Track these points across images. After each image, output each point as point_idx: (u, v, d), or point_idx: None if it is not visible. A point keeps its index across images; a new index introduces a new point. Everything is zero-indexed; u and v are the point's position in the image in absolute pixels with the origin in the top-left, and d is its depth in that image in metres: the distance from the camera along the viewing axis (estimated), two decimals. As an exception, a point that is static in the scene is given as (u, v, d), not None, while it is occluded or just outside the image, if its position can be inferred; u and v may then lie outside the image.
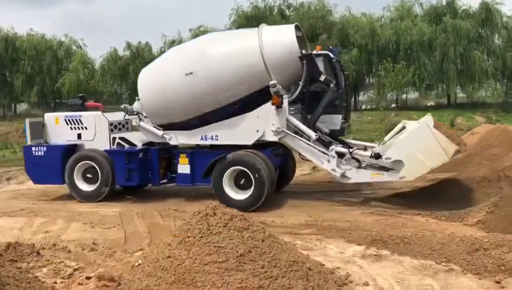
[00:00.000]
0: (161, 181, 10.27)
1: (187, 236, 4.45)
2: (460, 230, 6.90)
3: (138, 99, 10.27)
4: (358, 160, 8.80)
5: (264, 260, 4.28)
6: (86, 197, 10.06)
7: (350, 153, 8.81)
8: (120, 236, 7.31)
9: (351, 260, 5.47)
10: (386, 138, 9.07)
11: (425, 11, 33.80)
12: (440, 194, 9.43)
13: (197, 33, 34.72)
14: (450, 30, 30.59)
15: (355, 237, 6.28)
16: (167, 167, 10.31)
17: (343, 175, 8.80)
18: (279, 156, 10.09)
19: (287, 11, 34.91)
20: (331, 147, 8.92)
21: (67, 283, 4.80)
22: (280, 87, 8.89)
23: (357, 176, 8.77)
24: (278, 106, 8.94)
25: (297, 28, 9.41)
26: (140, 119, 10.11)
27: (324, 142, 9.34)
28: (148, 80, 9.94)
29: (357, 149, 9.22)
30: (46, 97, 37.07)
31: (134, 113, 10.21)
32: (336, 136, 10.21)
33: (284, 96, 9.02)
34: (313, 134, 9.01)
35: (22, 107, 41.08)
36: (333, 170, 8.83)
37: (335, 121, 9.87)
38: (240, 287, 3.98)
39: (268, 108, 9.09)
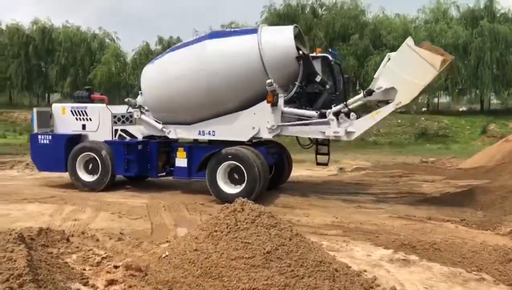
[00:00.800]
0: (159, 174, 10.52)
1: (215, 230, 4.46)
2: (491, 239, 6.69)
3: (141, 93, 10.50)
4: (354, 111, 8.84)
5: (291, 258, 4.25)
6: (87, 187, 10.32)
7: (346, 105, 8.81)
8: (147, 227, 7.38)
9: (378, 263, 5.37)
10: (375, 74, 8.97)
11: (462, 14, 33.11)
12: (471, 201, 9.19)
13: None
14: (487, 34, 29.90)
15: (383, 240, 6.17)
16: (166, 160, 10.54)
17: (347, 133, 8.81)
18: (274, 155, 10.25)
19: (320, 10, 34.70)
20: (327, 112, 8.93)
21: (96, 270, 4.87)
22: (277, 86, 8.98)
23: (360, 126, 8.79)
24: (273, 104, 9.07)
25: (296, 29, 9.47)
26: (141, 113, 10.32)
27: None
28: (151, 75, 10.13)
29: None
30: (79, 88, 37.78)
31: (137, 106, 10.41)
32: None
33: (280, 95, 9.12)
34: (314, 113, 9.11)
35: (55, 97, 42.11)
36: (336, 132, 8.85)
37: None
38: (266, 284, 3.96)
39: (263, 106, 9.21)
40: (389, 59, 9.01)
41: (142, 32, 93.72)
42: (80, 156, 10.43)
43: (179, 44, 10.32)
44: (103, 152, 10.27)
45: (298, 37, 9.56)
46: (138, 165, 10.26)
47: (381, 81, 8.55)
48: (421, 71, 8.14)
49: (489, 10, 31.83)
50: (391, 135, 28.66)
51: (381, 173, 13.97)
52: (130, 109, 10.54)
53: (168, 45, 36.03)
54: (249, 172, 9.03)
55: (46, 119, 11.03)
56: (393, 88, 8.42)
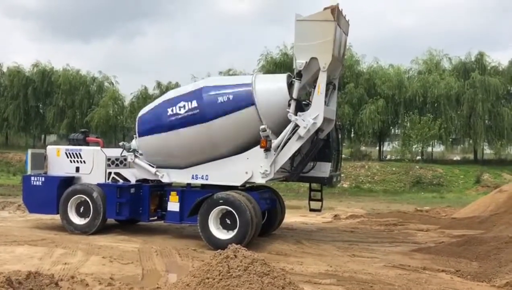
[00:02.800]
0: (151, 218, 10.42)
1: (207, 277, 4.39)
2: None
3: (136, 137, 10.58)
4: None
5: (284, 308, 4.18)
6: (78, 230, 10.21)
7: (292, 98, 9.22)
8: (137, 272, 7.25)
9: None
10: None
11: (454, 66, 33.98)
12: (466, 251, 9.10)
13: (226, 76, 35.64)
14: (479, 86, 30.61)
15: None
16: (158, 204, 10.47)
17: (312, 122, 9.01)
18: (267, 200, 10.22)
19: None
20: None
21: (83, 317, 4.76)
22: (270, 131, 9.10)
23: (317, 106, 9.09)
24: (267, 149, 9.14)
25: (290, 77, 9.69)
26: (135, 156, 10.36)
27: None
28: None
29: None
30: (75, 130, 37.99)
31: (131, 150, 10.46)
32: (325, 185, 10.50)
33: (273, 141, 9.20)
34: None
35: (51, 138, 42.22)
36: (305, 125, 9.01)
37: (324, 168, 9.94)
38: (258, 335, 3.88)
39: (257, 151, 9.29)
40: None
41: (141, 77, 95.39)
42: (72, 198, 10.37)
43: (171, 97, 10.34)
44: (95, 194, 10.22)
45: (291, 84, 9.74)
46: (130, 208, 10.20)
47: (299, 60, 9.06)
48: (323, 29, 8.87)
49: (480, 63, 32.72)
50: (385, 183, 28.69)
51: (376, 221, 13.88)
52: (125, 153, 10.58)
53: (166, 90, 36.61)
54: (241, 217, 8.99)
55: (40, 161, 11.03)
56: (312, 58, 8.98)
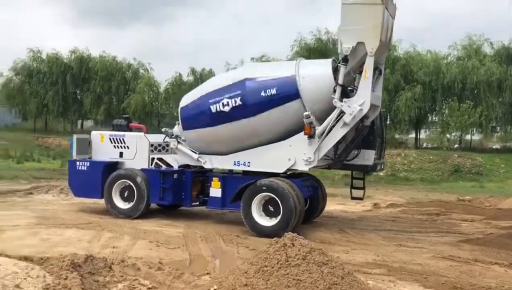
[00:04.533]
0: (193, 203, 10.49)
1: (265, 265, 4.36)
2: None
3: (179, 124, 10.59)
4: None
5: (344, 298, 4.11)
6: (122, 214, 10.38)
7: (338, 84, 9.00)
8: (185, 257, 7.31)
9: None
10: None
11: (496, 51, 32.71)
12: (517, 243, 8.81)
13: (260, 62, 35.42)
14: (523, 72, 29.42)
15: (432, 282, 5.92)
16: (200, 190, 10.53)
17: (360, 106, 8.81)
18: (309, 187, 10.11)
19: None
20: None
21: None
22: (314, 118, 8.95)
23: (363, 92, 8.88)
24: (310, 136, 9.01)
25: (334, 62, 9.48)
26: (178, 142, 10.38)
27: None
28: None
29: None
30: (112, 116, 38.66)
31: (173, 136, 10.49)
32: (369, 172, 10.39)
33: (316, 127, 9.04)
34: None
35: (88, 124, 43.11)
36: (351, 111, 8.80)
37: (368, 156, 9.71)
38: (319, 325, 3.82)
39: (300, 137, 9.17)
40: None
41: (176, 64, 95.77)
42: (116, 183, 10.54)
43: (214, 90, 10.24)
44: (139, 179, 10.34)
45: (336, 69, 9.55)
46: (173, 193, 10.29)
47: (345, 44, 8.82)
48: (371, 13, 8.64)
49: (525, 48, 31.41)
50: (422, 171, 28.06)
51: (417, 211, 13.58)
52: (167, 139, 10.64)
53: (200, 76, 36.77)
54: (284, 203, 8.94)
55: (85, 146, 11.23)
56: (359, 42, 8.74)
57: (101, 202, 11.40)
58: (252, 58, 35.63)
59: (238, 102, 9.39)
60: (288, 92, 9.15)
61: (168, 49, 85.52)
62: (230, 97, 9.48)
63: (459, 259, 7.72)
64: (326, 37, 34.38)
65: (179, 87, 36.43)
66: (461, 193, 20.35)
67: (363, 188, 10.67)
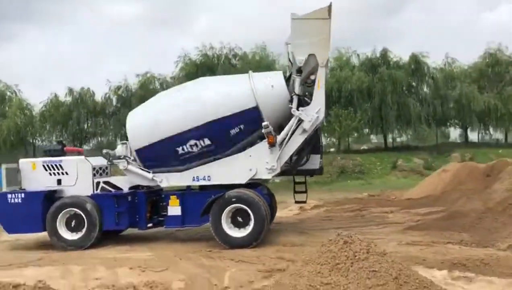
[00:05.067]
0: (148, 225, 10.17)
1: (337, 263, 4.58)
2: (502, 253, 7.54)
3: (123, 143, 10.26)
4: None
5: (414, 281, 4.54)
6: (72, 245, 9.62)
7: (295, 93, 9.56)
8: (182, 277, 7.07)
9: (447, 282, 5.83)
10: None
11: (361, 62, 36.47)
12: (452, 225, 10.13)
13: (145, 79, 34.69)
14: (387, 79, 33.24)
15: (431, 262, 6.68)
16: (152, 210, 10.25)
17: (316, 115, 9.41)
18: (267, 195, 10.60)
19: (234, 60, 35.99)
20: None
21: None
22: (272, 128, 9.39)
23: (318, 100, 9.49)
24: (272, 144, 9.45)
25: (284, 74, 10.18)
26: (128, 163, 10.05)
27: None
28: (139, 123, 9.95)
29: None
30: (-22, 145, 34.42)
31: (121, 157, 10.11)
32: (314, 175, 11.18)
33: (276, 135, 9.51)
34: None
35: None
36: (310, 118, 9.37)
37: (315, 161, 10.45)
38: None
39: (260, 147, 9.56)
40: (287, 43, 9.91)
41: (51, 84, 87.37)
42: (61, 213, 9.70)
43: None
44: (88, 206, 9.66)
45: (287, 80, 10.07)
46: (129, 217, 9.81)
47: (298, 56, 9.42)
48: (319, 27, 9.30)
49: (385, 58, 35.54)
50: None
51: (340, 209, 14.74)
52: (114, 161, 10.09)
53: (79, 96, 34.61)
54: (256, 213, 9.15)
55: (14, 176, 10.12)
56: (310, 54, 9.35)
57: (28, 237, 10.41)
58: (137, 75, 34.69)
59: (207, 142, 9.49)
60: (253, 120, 9.38)
61: (40, 68, 77.92)
62: (198, 140, 9.49)
63: (421, 243, 8.70)
64: (211, 53, 34.97)
65: (57, 108, 33.88)
66: (356, 191, 22.43)
67: (305, 191, 11.30)
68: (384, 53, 35.74)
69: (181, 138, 9.49)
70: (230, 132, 9.47)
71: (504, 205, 10.28)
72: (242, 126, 9.47)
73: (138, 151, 9.84)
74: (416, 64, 34.53)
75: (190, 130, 9.45)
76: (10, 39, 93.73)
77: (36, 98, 36.13)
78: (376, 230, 10.56)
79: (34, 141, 35.15)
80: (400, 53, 36.55)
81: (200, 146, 9.49)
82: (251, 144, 9.76)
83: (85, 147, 34.03)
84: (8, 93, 36.16)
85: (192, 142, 9.46)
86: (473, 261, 6.49)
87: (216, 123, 9.42)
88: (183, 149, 9.52)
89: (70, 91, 34.66)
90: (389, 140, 38.86)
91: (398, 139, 40.64)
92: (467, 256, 7.35)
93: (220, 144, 9.51)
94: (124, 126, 10.51)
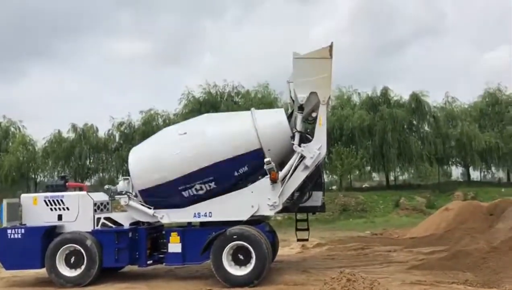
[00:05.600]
0: (148, 262, 9.98)
1: (340, 302, 4.52)
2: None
3: (125, 179, 10.27)
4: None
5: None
6: (70, 282, 9.47)
7: (297, 130, 9.60)
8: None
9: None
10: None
11: (362, 100, 36.86)
12: (456, 264, 9.96)
13: (148, 116, 35.04)
14: (387, 118, 33.50)
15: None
16: (153, 247, 10.15)
17: (318, 152, 9.44)
18: (270, 233, 10.47)
19: (236, 97, 36.46)
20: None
21: None
22: (274, 164, 9.41)
23: (319, 137, 9.51)
24: (274, 181, 9.43)
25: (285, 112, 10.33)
26: (129, 198, 10.01)
27: None
28: (142, 160, 9.99)
29: None
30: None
31: (123, 193, 10.10)
32: (317, 212, 11.01)
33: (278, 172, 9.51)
34: None
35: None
36: (312, 155, 9.38)
37: (317, 197, 10.39)
38: None
39: (262, 183, 9.53)
40: (289, 82, 10.00)
41: (51, 120, 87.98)
42: (61, 249, 9.59)
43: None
44: (88, 242, 9.56)
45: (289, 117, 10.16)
46: (129, 253, 9.70)
47: (300, 94, 9.49)
48: (321, 66, 9.42)
49: (385, 97, 35.94)
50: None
51: (343, 247, 14.55)
52: (116, 196, 10.07)
53: (82, 132, 34.89)
54: (258, 251, 9.02)
55: (15, 211, 10.09)
56: (311, 92, 9.44)
57: (25, 273, 10.25)
58: (141, 111, 35.07)
59: (213, 185, 9.50)
60: (257, 160, 9.41)
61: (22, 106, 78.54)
62: (203, 183, 9.51)
63: (425, 283, 8.54)
64: (215, 90, 35.46)
65: (59, 144, 34.10)
66: (359, 229, 22.21)
67: (308, 229, 11.20)
68: (385, 92, 36.24)
69: (186, 180, 9.49)
70: (235, 172, 9.51)
71: (509, 244, 10.11)
72: (246, 166, 9.52)
73: (141, 191, 9.84)
74: (417, 103, 34.89)
75: (195, 171, 9.44)
76: (20, 76, 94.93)
77: (40, 134, 36.16)
78: (379, 269, 10.38)
79: (36, 176, 35.17)
80: (401, 92, 37.15)
81: (205, 189, 9.52)
82: (253, 180, 9.80)
83: (87, 183, 34.00)
84: (12, 129, 36.51)
85: (198, 186, 9.49)
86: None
87: (222, 163, 9.44)
88: (188, 193, 9.54)
89: (74, 127, 35.02)
90: (391, 178, 38.84)
91: (400, 177, 40.47)
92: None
93: (224, 184, 9.52)
94: (127, 162, 10.53)
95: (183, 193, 9.54)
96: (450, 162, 38.19)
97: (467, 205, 15.61)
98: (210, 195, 9.55)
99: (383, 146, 33.83)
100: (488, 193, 30.36)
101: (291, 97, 10.22)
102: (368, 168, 36.68)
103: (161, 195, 9.65)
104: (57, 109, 77.05)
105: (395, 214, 29.35)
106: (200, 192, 9.52)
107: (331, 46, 9.53)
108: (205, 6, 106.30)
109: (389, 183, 36.80)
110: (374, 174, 40.86)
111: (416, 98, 34.97)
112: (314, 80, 9.52)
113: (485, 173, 40.66)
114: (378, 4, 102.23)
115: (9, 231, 9.76)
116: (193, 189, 9.51)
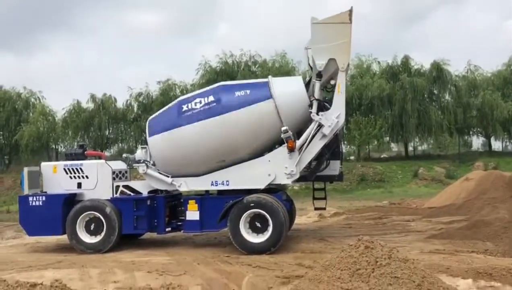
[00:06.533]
0: (166, 229, 10.10)
1: (357, 269, 4.47)
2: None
3: (143, 148, 10.29)
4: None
5: (438, 289, 4.39)
6: (90, 249, 9.66)
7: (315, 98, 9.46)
8: (199, 282, 7.03)
9: (474, 292, 5.65)
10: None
11: (382, 70, 36.17)
12: (476, 234, 9.85)
13: (165, 86, 35.02)
14: (408, 87, 32.87)
15: (455, 271, 6.48)
16: (171, 215, 10.25)
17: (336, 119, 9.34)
18: (287, 201, 10.44)
19: (253, 67, 36.09)
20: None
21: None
22: (291, 132, 9.30)
23: (338, 104, 9.39)
24: (292, 149, 9.34)
25: (303, 80, 10.15)
26: (147, 167, 10.05)
27: None
28: (158, 120, 9.98)
29: None
30: (2, 150, 35.14)
31: (141, 161, 10.13)
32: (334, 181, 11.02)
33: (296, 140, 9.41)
34: None
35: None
36: (329, 123, 9.31)
37: (334, 166, 10.29)
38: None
39: (279, 152, 9.47)
40: (307, 48, 9.88)
41: (73, 91, 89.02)
42: (81, 216, 9.74)
43: (186, 96, 10.22)
44: (108, 210, 9.69)
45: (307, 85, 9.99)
46: (148, 221, 9.82)
47: (318, 61, 9.31)
48: (340, 31, 9.17)
49: (406, 66, 35.18)
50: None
51: (360, 217, 14.50)
52: (134, 165, 10.14)
53: (101, 103, 35.13)
54: (275, 218, 9.03)
55: (36, 179, 10.25)
56: (330, 59, 9.25)
57: (48, 239, 10.45)
58: (158, 82, 35.10)
59: (211, 98, 9.51)
60: (261, 93, 9.42)
61: (62, 75, 79.20)
62: (202, 96, 9.65)
63: (444, 252, 8.47)
64: (231, 60, 35.16)
65: (78, 114, 34.43)
66: (377, 199, 22.12)
67: (325, 198, 11.15)
68: (405, 61, 35.50)
69: (190, 98, 9.82)
70: (236, 93, 9.53)
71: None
72: (248, 91, 9.51)
73: (149, 121, 10.13)
74: (438, 72, 34.13)
75: (200, 92, 9.94)
76: (39, 48, 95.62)
77: (60, 104, 36.69)
78: (397, 238, 10.33)
79: (56, 146, 35.70)
80: (422, 61, 36.26)
81: (203, 103, 9.54)
82: (270, 149, 9.75)
83: (106, 153, 34.44)
84: (32, 100, 36.91)
85: (198, 99, 9.63)
86: (499, 270, 6.26)
87: (224, 85, 9.81)
88: (188, 106, 9.60)
89: (93, 97, 35.22)
90: (410, 148, 38.41)
91: (419, 148, 39.98)
92: (493, 266, 7.09)
93: (222, 101, 9.50)
94: (145, 131, 10.57)
95: (183, 107, 9.59)
96: (471, 132, 37.56)
97: (488, 175, 15.35)
98: (209, 113, 9.47)
99: (403, 116, 33.36)
100: (510, 164, 29.87)
101: (309, 64, 10.02)
102: (387, 138, 36.24)
103: (164, 118, 9.84)
104: (76, 80, 77.76)
105: (414, 184, 29.15)
106: (198, 105, 9.50)
107: (350, 11, 9.24)
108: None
109: (408, 153, 36.42)
110: (392, 145, 40.42)
111: (437, 67, 34.18)
112: (333, 46, 9.29)
113: (507, 143, 39.91)
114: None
115: (30, 198, 9.93)
116: (192, 103, 9.57)
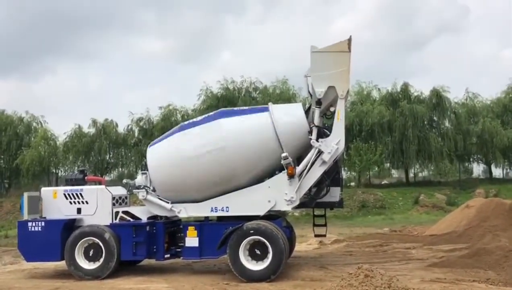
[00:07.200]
0: (165, 256, 10.03)
1: (357, 298, 4.45)
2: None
3: (143, 173, 10.32)
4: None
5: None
6: (89, 275, 9.58)
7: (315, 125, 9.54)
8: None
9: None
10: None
11: (382, 96, 36.41)
12: (478, 262, 9.79)
13: (167, 111, 35.24)
14: (408, 114, 33.04)
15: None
16: (170, 241, 10.19)
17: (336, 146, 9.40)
18: (287, 228, 10.41)
19: (254, 93, 36.38)
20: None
21: None
22: (291, 159, 9.34)
23: (337, 132, 9.46)
24: (292, 176, 9.37)
25: (303, 106, 10.30)
26: (147, 193, 10.05)
27: None
28: (160, 155, 10.01)
29: None
30: (2, 174, 35.15)
31: (141, 187, 10.15)
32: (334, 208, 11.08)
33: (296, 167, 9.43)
34: None
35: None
36: (329, 150, 9.36)
37: (335, 193, 10.28)
38: None
39: (280, 178, 9.51)
40: (306, 76, 9.97)
41: (73, 115, 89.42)
42: (80, 242, 9.71)
43: (188, 122, 10.34)
44: (107, 236, 9.65)
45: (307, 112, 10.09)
46: (147, 247, 9.76)
47: (317, 88, 9.41)
48: (339, 60, 9.33)
49: (406, 93, 35.44)
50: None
51: (361, 244, 14.39)
52: (134, 190, 10.15)
53: (102, 127, 35.29)
54: (274, 246, 8.99)
55: (36, 205, 10.25)
56: (330, 86, 9.36)
57: (46, 265, 10.39)
58: (160, 107, 35.34)
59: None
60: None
61: (46, 102, 79.62)
62: (203, 123, 9.86)
63: (445, 281, 8.38)
64: (232, 86, 35.46)
65: (80, 139, 34.55)
66: (377, 226, 21.97)
67: (325, 225, 11.11)
68: (405, 88, 35.75)
69: (190, 127, 9.91)
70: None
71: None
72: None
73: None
74: (437, 99, 34.35)
75: (199, 120, 10.03)
76: (43, 73, 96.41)
77: (62, 129, 36.92)
78: (398, 266, 10.25)
79: (57, 171, 35.72)
80: (421, 88, 36.54)
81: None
82: (270, 175, 9.77)
83: (106, 177, 34.42)
84: (34, 124, 37.12)
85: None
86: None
87: (223, 112, 9.93)
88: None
89: (94, 122, 35.40)
90: (410, 175, 38.35)
91: (419, 174, 39.89)
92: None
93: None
94: (145, 157, 10.62)
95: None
96: (471, 159, 37.54)
97: (489, 203, 15.29)
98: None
99: (403, 142, 33.40)
100: (511, 191, 29.76)
101: (309, 91, 10.13)
102: (387, 164, 36.23)
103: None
104: (78, 105, 78.21)
105: (415, 211, 28.98)
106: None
107: (349, 40, 9.40)
108: (225, 3, 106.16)
109: (409, 180, 36.32)
110: (393, 171, 40.39)
111: (436, 94, 34.41)
112: (332, 74, 9.42)
113: (508, 170, 39.81)
114: (399, 0, 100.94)
115: (29, 223, 9.92)
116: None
